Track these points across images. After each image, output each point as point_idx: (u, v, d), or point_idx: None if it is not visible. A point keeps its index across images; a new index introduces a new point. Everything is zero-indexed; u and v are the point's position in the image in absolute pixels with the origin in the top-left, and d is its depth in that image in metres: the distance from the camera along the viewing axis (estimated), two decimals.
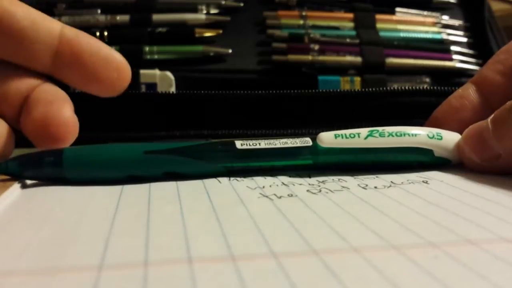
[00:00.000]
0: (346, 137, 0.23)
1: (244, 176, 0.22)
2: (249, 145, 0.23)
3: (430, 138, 0.23)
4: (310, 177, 0.22)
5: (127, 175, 0.22)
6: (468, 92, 0.27)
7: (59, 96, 0.24)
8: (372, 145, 0.23)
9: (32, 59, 0.24)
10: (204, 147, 0.23)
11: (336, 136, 0.23)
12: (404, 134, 0.23)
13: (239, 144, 0.22)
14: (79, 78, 0.25)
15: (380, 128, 0.23)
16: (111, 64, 0.25)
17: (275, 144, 0.23)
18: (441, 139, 0.23)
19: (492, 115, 0.22)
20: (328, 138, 0.23)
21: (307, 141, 0.23)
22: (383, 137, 0.23)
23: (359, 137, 0.23)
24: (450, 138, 0.24)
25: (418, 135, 0.23)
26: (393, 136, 0.23)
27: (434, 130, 0.24)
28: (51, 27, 0.24)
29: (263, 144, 0.23)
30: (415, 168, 0.24)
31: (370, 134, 0.23)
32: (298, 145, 0.23)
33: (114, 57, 0.25)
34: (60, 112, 0.23)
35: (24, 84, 0.24)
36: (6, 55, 0.24)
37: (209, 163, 0.22)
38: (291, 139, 0.23)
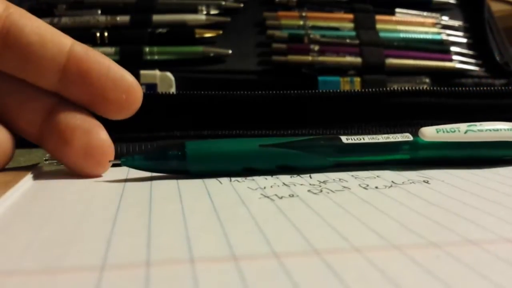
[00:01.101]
0: (447, 132, 0.24)
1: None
2: (354, 139, 0.24)
3: None
4: (311, 177, 0.23)
5: (244, 167, 0.23)
6: None
7: (93, 122, 0.23)
8: (471, 139, 0.24)
9: (38, 76, 0.23)
10: (314, 142, 0.24)
11: (437, 131, 0.24)
12: (501, 129, 0.24)
13: (344, 138, 0.24)
14: (85, 98, 0.23)
15: (478, 123, 0.24)
16: (121, 86, 0.23)
17: (378, 139, 0.24)
18: None
19: None
20: (430, 132, 0.24)
21: (407, 136, 0.25)
22: (481, 131, 0.24)
23: (459, 132, 0.24)
24: None
25: None
26: (490, 130, 0.24)
27: None
28: (60, 43, 0.22)
29: (366, 139, 0.24)
30: (508, 163, 0.25)
31: (469, 129, 0.24)
32: (399, 139, 0.24)
33: (125, 78, 0.23)
34: (100, 138, 0.23)
35: (41, 102, 0.23)
36: (14, 71, 0.23)
37: (320, 156, 0.24)
38: (392, 134, 0.25)
